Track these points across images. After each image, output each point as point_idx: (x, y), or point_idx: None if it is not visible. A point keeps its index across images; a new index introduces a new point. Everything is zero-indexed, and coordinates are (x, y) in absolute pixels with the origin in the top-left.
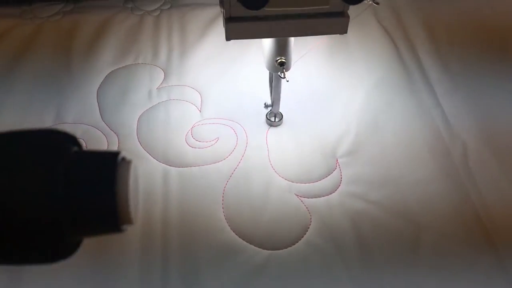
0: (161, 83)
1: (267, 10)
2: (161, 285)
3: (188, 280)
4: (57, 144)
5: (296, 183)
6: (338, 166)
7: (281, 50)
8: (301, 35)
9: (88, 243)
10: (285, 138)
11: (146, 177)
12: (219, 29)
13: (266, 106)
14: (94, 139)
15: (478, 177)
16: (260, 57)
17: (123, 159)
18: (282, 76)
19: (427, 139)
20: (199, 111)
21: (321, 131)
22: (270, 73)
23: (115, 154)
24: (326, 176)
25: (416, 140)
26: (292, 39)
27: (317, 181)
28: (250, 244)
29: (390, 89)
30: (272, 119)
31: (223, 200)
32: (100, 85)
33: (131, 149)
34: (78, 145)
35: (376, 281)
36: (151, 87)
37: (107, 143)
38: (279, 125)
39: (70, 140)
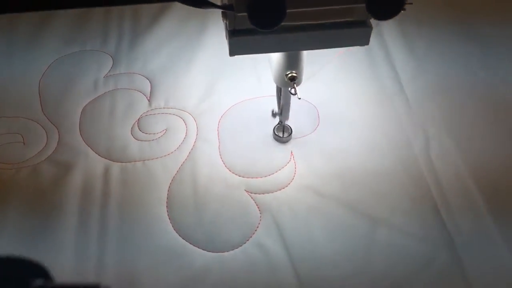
0: (108, 71)
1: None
2: None
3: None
4: (20, 278)
5: (247, 178)
6: (292, 159)
7: (293, 63)
8: (317, 48)
9: None
10: (238, 130)
11: (84, 175)
12: (174, 11)
13: (273, 114)
14: (33, 133)
15: (439, 169)
16: (217, 42)
17: None
18: (293, 92)
19: (388, 128)
20: (147, 101)
21: (275, 121)
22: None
23: None
24: (280, 170)
25: (376, 130)
26: (305, 52)
27: (269, 175)
28: (193, 246)
29: (352, 75)
30: (280, 134)
31: (167, 198)
32: (43, 74)
33: (72, 144)
34: (47, 277)
35: (326, 285)
36: (98, 75)
37: (46, 138)
38: (287, 141)
39: (36, 272)
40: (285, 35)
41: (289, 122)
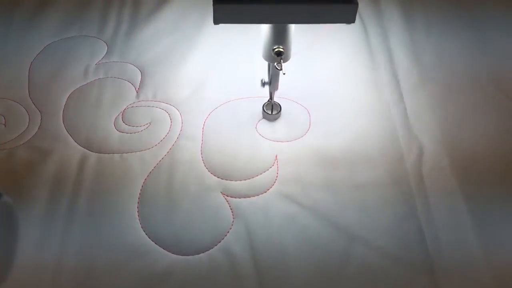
0: (101, 58)
1: None
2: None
3: (79, 283)
4: None
5: (226, 180)
6: (276, 163)
7: (280, 38)
8: (302, 22)
9: None
10: (223, 130)
11: (60, 162)
12: (174, 3)
13: (263, 83)
14: (16, 116)
15: (430, 188)
16: (215, 38)
17: None
18: (279, 68)
19: (381, 139)
20: (136, 92)
21: (262, 124)
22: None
23: None
24: (261, 174)
25: (369, 140)
26: (292, 26)
27: (249, 179)
28: (159, 246)
29: (351, 79)
30: (269, 111)
31: (140, 194)
32: (35, 57)
33: (52, 130)
34: None
35: None
36: (90, 62)
37: (28, 122)
38: (276, 119)
39: None
40: (270, 6)
41: (278, 124)
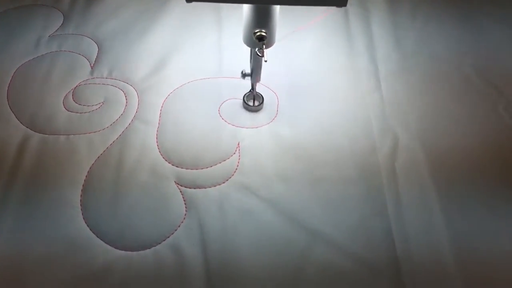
0: (56, 30)
1: None
2: None
3: (8, 276)
4: None
5: (181, 168)
6: (238, 151)
7: (262, 21)
8: (288, 4)
9: None
10: (183, 112)
11: None
12: None
13: (243, 75)
14: None
15: (402, 184)
16: (180, 12)
17: None
18: (260, 54)
19: (354, 129)
20: (90, 67)
21: (227, 107)
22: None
23: None
24: (220, 162)
25: (340, 129)
26: (277, 7)
27: (207, 168)
28: (100, 240)
29: (326, 60)
30: (250, 102)
31: (85, 181)
32: None
33: None
34: None
35: None
36: (43, 33)
37: None
38: (258, 110)
39: None
40: None
41: (243, 108)
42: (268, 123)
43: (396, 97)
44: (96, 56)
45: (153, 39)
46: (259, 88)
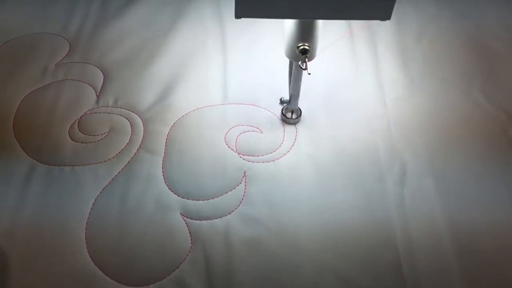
0: (62, 58)
1: None
2: None
3: None
4: None
5: (187, 199)
6: (244, 181)
7: (305, 34)
8: (332, 18)
9: None
10: (189, 141)
11: (3, 173)
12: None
13: (281, 102)
14: None
15: (411, 213)
16: (186, 39)
17: None
18: (303, 67)
19: (361, 155)
20: (96, 96)
21: (232, 135)
22: (290, 61)
23: None
24: (226, 192)
25: (347, 156)
26: (320, 22)
27: (212, 198)
28: (104, 274)
29: (333, 88)
30: (288, 115)
31: (90, 213)
32: None
33: (1, 136)
34: None
35: None
36: (49, 62)
37: None
38: (296, 123)
39: None
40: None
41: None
42: (275, 150)
43: (403, 122)
44: (102, 85)
45: (157, 67)
46: (264, 115)
